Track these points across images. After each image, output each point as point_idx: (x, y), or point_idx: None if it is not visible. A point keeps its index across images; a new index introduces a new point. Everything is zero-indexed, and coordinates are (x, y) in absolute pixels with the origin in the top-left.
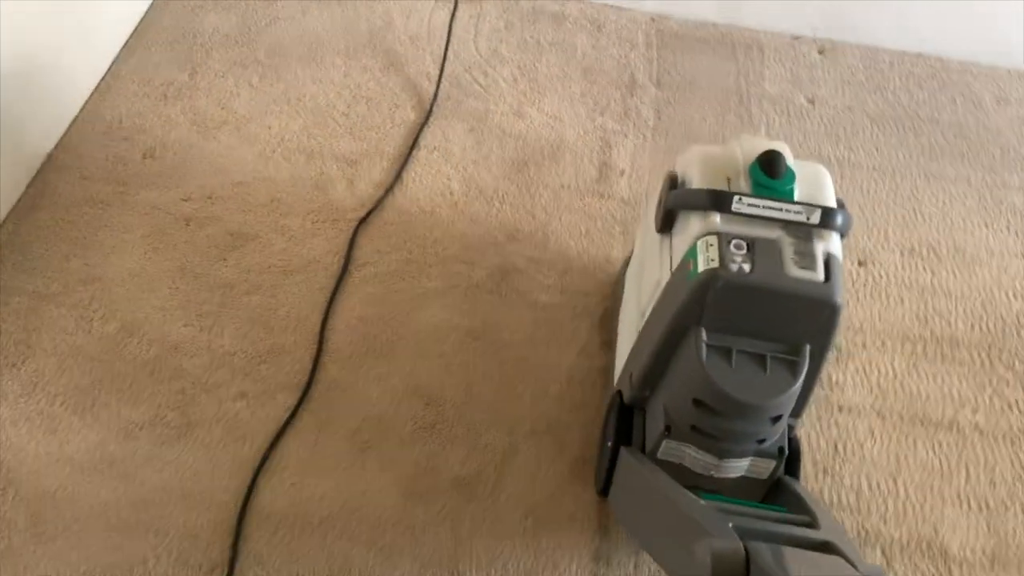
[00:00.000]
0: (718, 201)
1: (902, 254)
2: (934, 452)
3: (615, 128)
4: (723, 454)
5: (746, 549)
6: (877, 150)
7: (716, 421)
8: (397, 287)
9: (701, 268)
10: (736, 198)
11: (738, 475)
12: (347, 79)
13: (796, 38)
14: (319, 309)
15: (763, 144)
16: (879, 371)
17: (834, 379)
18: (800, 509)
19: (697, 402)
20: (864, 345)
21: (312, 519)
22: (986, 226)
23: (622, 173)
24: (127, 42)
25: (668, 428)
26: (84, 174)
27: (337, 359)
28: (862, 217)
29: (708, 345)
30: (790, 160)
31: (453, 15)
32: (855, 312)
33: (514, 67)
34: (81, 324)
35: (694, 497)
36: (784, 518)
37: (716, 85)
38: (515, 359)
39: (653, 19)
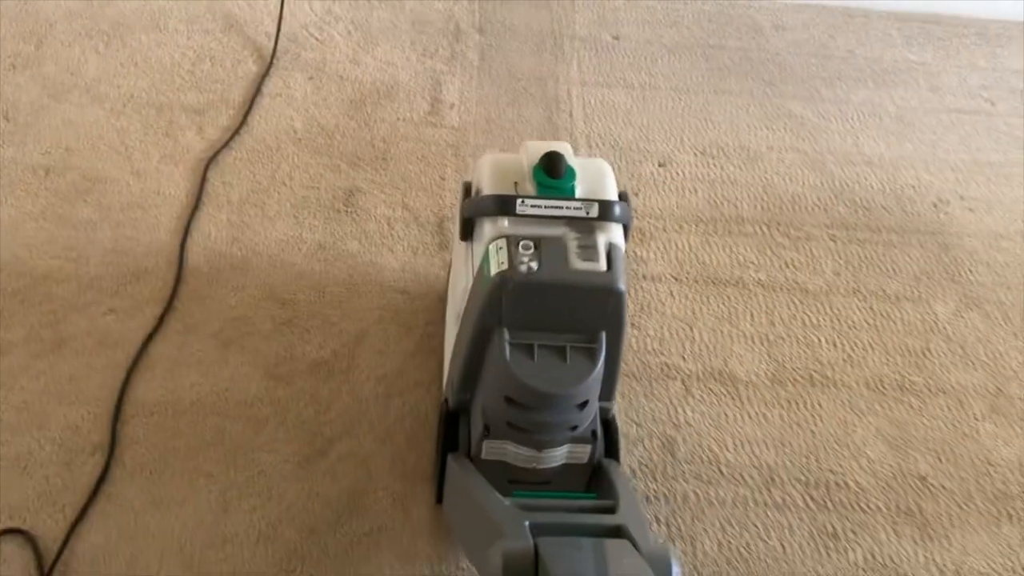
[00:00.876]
0: (503, 206)
1: (695, 155)
2: (723, 304)
3: (444, 69)
4: (540, 446)
5: (536, 546)
6: (674, 74)
7: (527, 415)
8: (248, 212)
9: (493, 271)
10: (520, 201)
11: (559, 464)
12: (190, 41)
13: None
14: (177, 236)
15: (546, 146)
16: (676, 247)
17: (639, 255)
18: (608, 494)
19: (508, 399)
20: (664, 229)
21: (184, 403)
22: (766, 128)
23: (452, 106)
24: None
25: (487, 428)
26: None
27: (197, 275)
28: (662, 129)
29: (511, 344)
30: (571, 159)
31: None
32: (656, 203)
33: (347, 23)
34: None
35: (500, 499)
36: (584, 506)
37: (532, 29)
38: (363, 264)
39: None
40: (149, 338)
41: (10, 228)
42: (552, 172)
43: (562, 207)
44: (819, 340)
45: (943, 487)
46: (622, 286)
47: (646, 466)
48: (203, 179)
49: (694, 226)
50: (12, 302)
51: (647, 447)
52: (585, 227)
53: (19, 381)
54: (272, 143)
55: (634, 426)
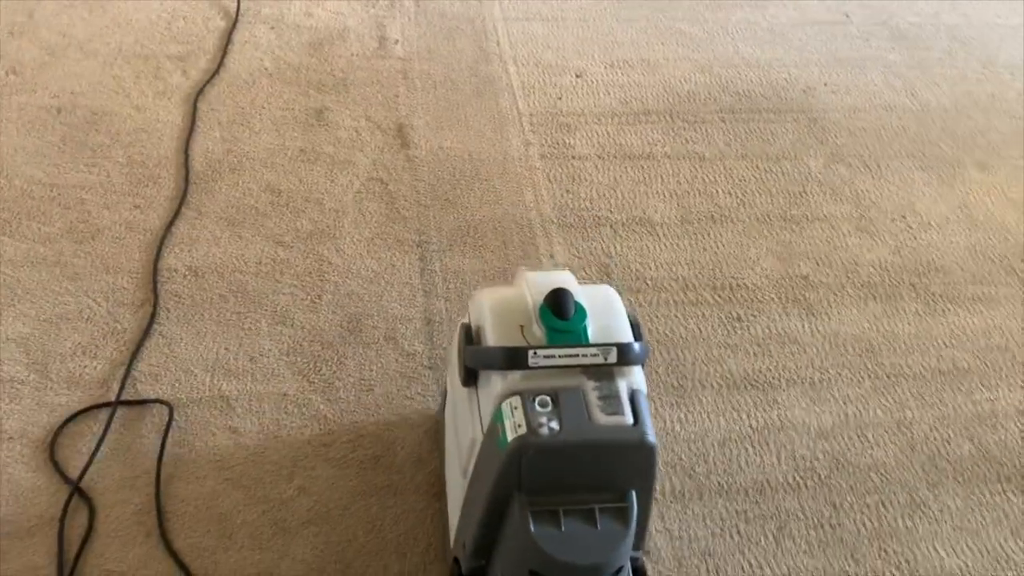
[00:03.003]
0: (514, 359)
1: (605, 68)
2: (638, 172)
3: (385, 15)
4: None
5: None
6: (581, 8)
7: None
8: (237, 130)
9: (510, 436)
10: (531, 352)
11: None
12: (163, 5)
13: None
14: (180, 150)
15: (549, 281)
16: (597, 135)
17: (568, 142)
18: None
19: (534, 573)
20: (586, 122)
21: (208, 266)
22: (662, 44)
23: (396, 42)
24: None
25: None
26: None
27: (202, 177)
28: (575, 50)
29: (533, 512)
30: (577, 292)
31: None
32: (577, 104)
33: None
34: None
35: None
36: None
37: None
38: (339, 162)
39: None
40: (171, 223)
41: (37, 153)
42: (561, 313)
43: (578, 355)
44: (717, 192)
45: (822, 282)
46: (652, 439)
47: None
48: (194, 108)
49: (610, 119)
50: (50, 205)
51: (587, 272)
52: (604, 373)
53: (69, 260)
54: (248, 79)
55: (576, 258)
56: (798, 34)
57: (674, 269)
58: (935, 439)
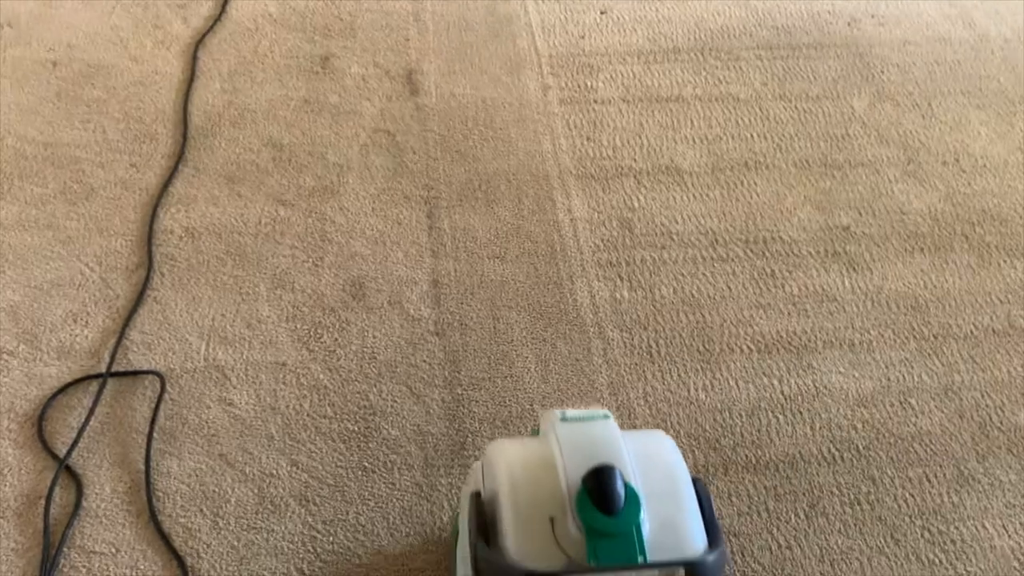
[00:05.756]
0: None
1: (633, 1)
2: (666, 116)
3: None
4: None
5: None
6: None
7: None
8: (238, 81)
9: None
10: None
11: None
12: None
13: None
14: (179, 103)
15: (585, 439)
16: (622, 75)
17: (590, 85)
18: None
19: None
20: (610, 62)
21: (206, 227)
22: None
23: None
24: None
25: None
26: None
27: (202, 132)
28: None
29: None
30: (622, 457)
31: None
32: (601, 43)
33: None
34: None
35: None
36: None
37: None
38: (344, 112)
39: None
40: (168, 182)
41: (30, 110)
42: (606, 506)
43: None
44: (751, 136)
45: (864, 233)
46: None
47: (608, 242)
48: (194, 58)
49: (636, 58)
50: (44, 165)
51: (608, 228)
52: None
53: (62, 223)
54: (251, 25)
55: (595, 213)
56: None
57: (703, 222)
58: (986, 406)
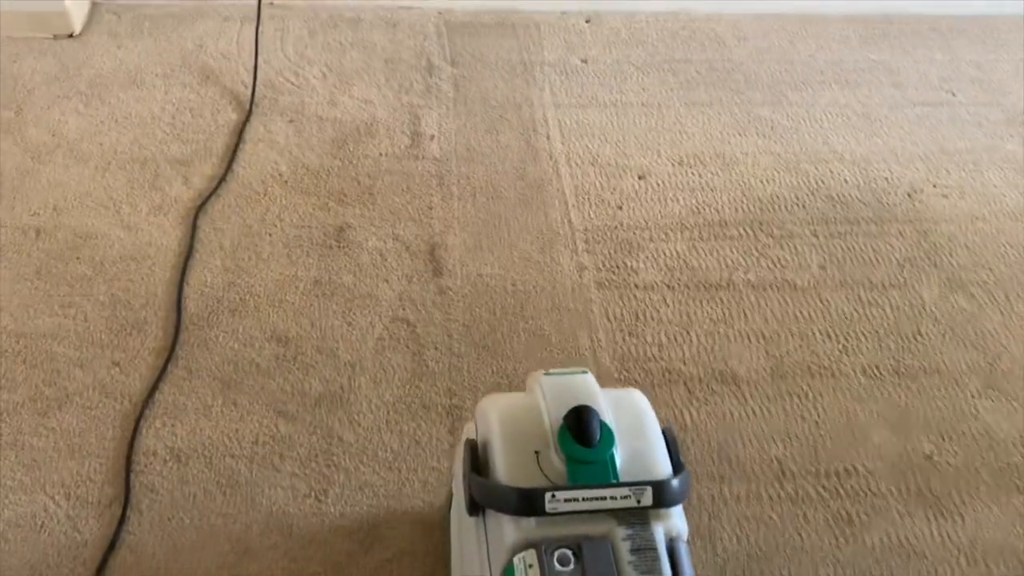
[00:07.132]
0: (529, 503)
1: (673, 165)
2: (717, 306)
3: (420, 103)
4: None
5: None
6: (644, 90)
7: None
8: (242, 256)
9: None
10: (549, 496)
11: None
12: (168, 95)
13: (564, 13)
14: (173, 285)
15: (568, 390)
16: (665, 255)
17: (630, 266)
18: None
19: None
20: (651, 238)
21: (195, 448)
22: (739, 135)
23: (432, 138)
24: None
25: None
26: None
27: (197, 322)
28: (638, 143)
29: None
30: (600, 405)
31: (258, 29)
32: (641, 214)
33: (322, 66)
34: None
35: None
36: None
37: (502, 59)
38: (360, 296)
39: (440, 12)
40: (154, 387)
41: (6, 290)
42: (584, 439)
43: (605, 497)
44: (813, 333)
45: (949, 464)
46: None
47: None
48: (194, 227)
49: (679, 233)
50: (14, 363)
51: None
52: (636, 518)
53: (28, 440)
54: (259, 187)
55: None
56: (897, 118)
57: (766, 447)
58: None
